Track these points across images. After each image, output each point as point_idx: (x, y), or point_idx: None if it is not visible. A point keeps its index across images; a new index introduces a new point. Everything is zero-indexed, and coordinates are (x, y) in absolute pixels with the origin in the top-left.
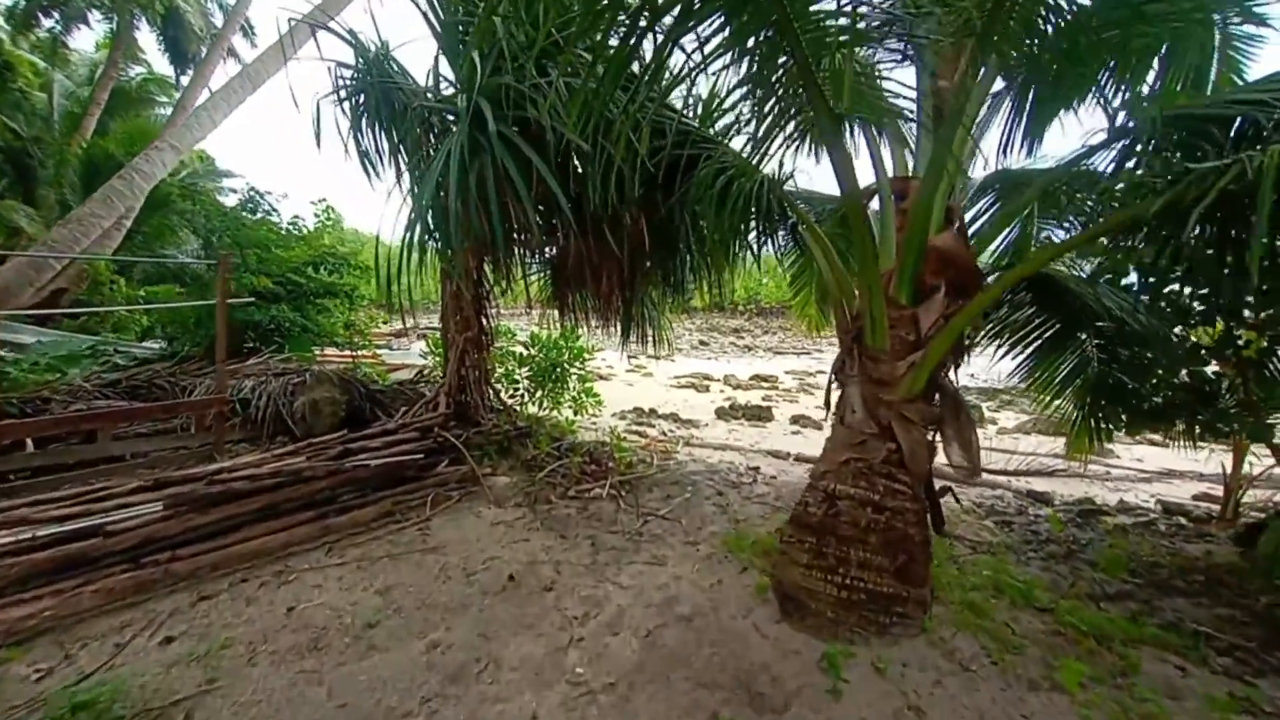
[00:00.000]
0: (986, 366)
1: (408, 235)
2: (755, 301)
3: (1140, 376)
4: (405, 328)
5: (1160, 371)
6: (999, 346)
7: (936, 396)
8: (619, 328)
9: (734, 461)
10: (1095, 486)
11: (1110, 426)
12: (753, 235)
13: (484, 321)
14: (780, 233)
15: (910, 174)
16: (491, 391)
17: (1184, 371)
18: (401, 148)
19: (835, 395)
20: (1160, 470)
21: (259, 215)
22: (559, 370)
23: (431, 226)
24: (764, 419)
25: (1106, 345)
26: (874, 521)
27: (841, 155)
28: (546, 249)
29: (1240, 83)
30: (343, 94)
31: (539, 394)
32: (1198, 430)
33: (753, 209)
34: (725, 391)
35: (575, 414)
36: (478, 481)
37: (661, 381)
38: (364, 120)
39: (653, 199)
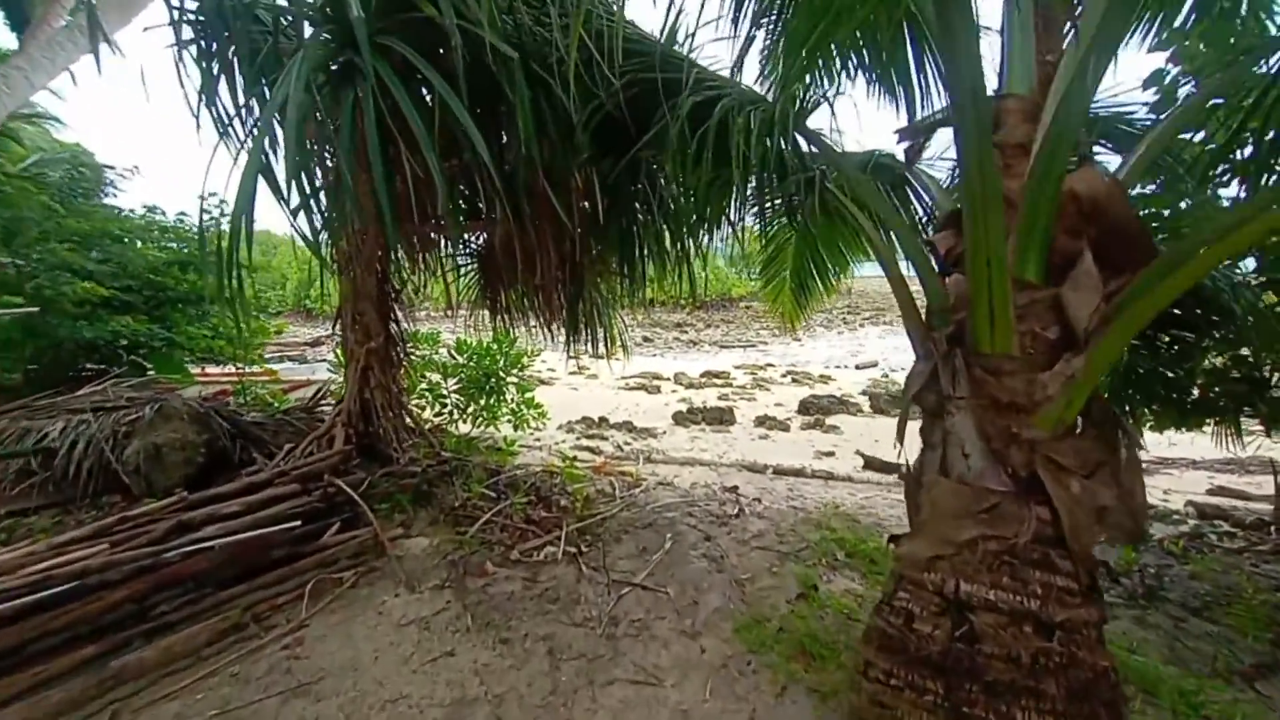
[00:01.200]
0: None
1: (240, 202)
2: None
3: (1178, 364)
4: (321, 336)
5: (1205, 358)
6: None
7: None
8: (562, 327)
9: (707, 482)
10: None
11: (1134, 421)
12: (747, 201)
13: (392, 328)
14: (794, 194)
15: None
16: (408, 416)
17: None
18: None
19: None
20: (1153, 459)
21: (95, 200)
22: (494, 380)
23: (284, 188)
24: (726, 422)
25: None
26: (1044, 653)
27: (958, 26)
28: (470, 235)
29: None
30: (187, 34)
31: (471, 410)
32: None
33: (751, 158)
34: (678, 392)
35: (515, 429)
36: (383, 551)
37: (608, 384)
38: (216, 71)
39: (602, 158)
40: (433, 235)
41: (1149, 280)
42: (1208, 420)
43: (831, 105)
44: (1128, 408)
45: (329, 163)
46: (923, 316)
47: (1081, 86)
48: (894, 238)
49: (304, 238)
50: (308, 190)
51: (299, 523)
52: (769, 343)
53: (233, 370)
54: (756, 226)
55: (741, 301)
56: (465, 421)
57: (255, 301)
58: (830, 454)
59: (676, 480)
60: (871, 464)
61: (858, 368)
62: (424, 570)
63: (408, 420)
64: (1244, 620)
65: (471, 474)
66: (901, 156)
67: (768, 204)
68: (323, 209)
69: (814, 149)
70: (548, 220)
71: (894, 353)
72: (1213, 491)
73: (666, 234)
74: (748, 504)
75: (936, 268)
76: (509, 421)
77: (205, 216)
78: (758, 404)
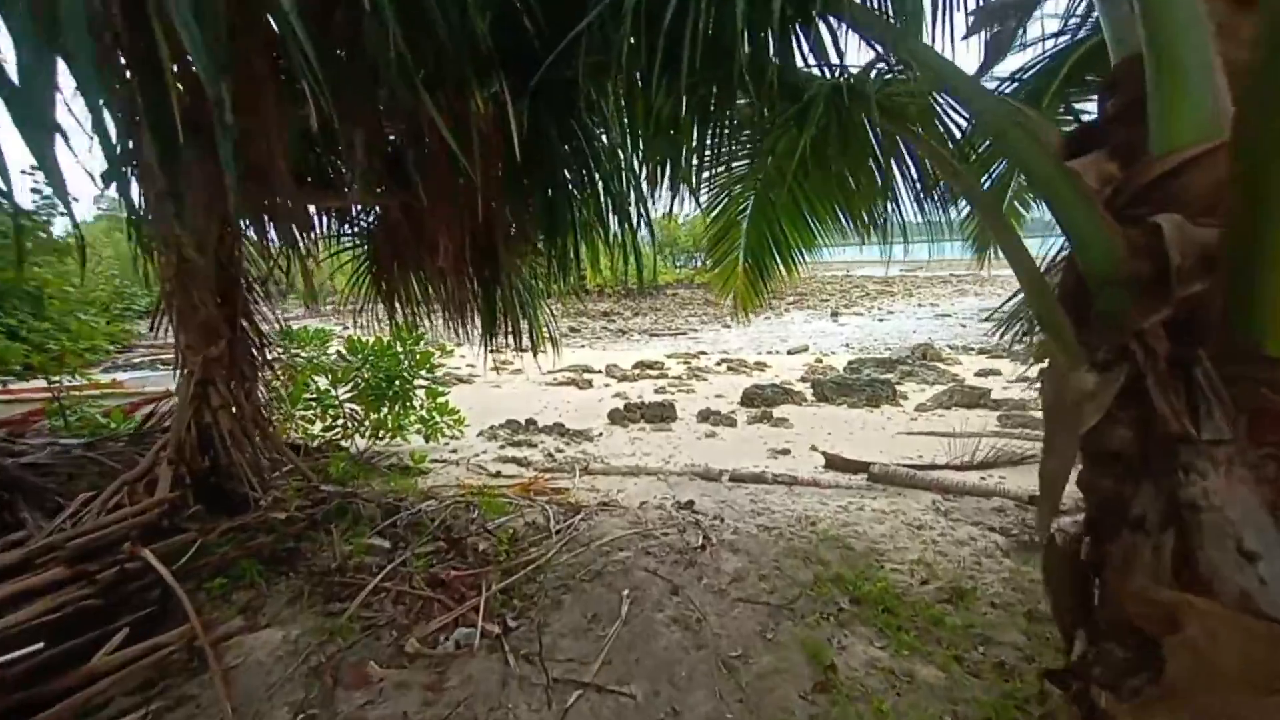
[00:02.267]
0: (861, 328)
1: None
2: (623, 282)
3: None
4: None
5: None
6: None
7: None
8: (476, 319)
9: (659, 498)
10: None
11: None
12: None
13: (245, 325)
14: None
15: None
16: (272, 441)
17: None
18: None
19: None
20: None
21: None
22: (398, 385)
23: None
24: (667, 419)
25: None
26: None
27: None
28: (361, 209)
29: None
30: None
31: (371, 421)
32: None
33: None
34: (611, 386)
35: (428, 440)
36: (205, 664)
37: (535, 379)
38: None
39: (517, 96)
40: (310, 208)
41: None
42: None
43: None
44: None
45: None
46: (1042, 292)
47: None
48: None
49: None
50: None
51: (39, 647)
52: (698, 330)
53: (44, 387)
54: (706, 192)
55: (668, 289)
56: (363, 435)
57: (113, 298)
58: (785, 452)
59: (621, 497)
60: (833, 463)
61: (789, 353)
62: (269, 689)
63: (270, 450)
64: None
65: (362, 514)
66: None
67: (748, 144)
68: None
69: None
70: (445, 185)
71: (821, 337)
72: None
73: (605, 198)
74: (710, 526)
75: (1101, 210)
76: (419, 432)
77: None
78: (697, 396)
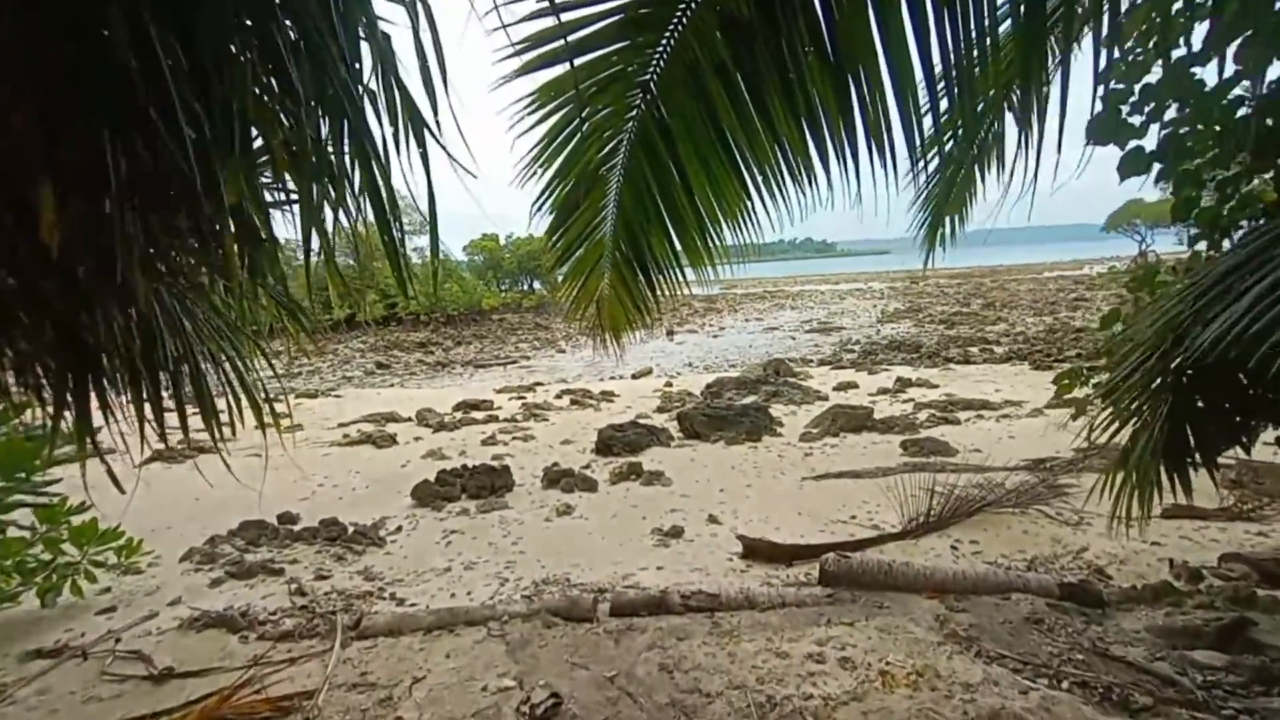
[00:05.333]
0: (699, 346)
1: None
2: (440, 309)
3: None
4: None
5: None
6: None
7: None
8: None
9: (492, 697)
10: (1039, 525)
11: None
12: None
13: None
14: None
15: None
16: None
17: None
18: None
19: None
20: (1028, 461)
21: None
22: None
23: None
24: (500, 490)
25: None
26: None
27: None
28: None
29: None
30: None
31: None
32: None
33: None
34: (423, 439)
35: (45, 602)
36: None
37: (318, 438)
38: None
39: None
40: None
41: None
42: None
43: None
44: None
45: None
46: None
47: None
48: None
49: None
50: None
51: None
52: (530, 356)
53: None
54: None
55: (494, 313)
56: None
57: None
58: (677, 533)
59: (418, 704)
60: (756, 552)
61: (634, 377)
62: None
63: None
64: None
65: None
66: None
67: None
68: None
69: None
70: None
71: (662, 357)
72: (1168, 512)
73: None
74: None
75: None
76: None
77: None
78: (539, 445)
